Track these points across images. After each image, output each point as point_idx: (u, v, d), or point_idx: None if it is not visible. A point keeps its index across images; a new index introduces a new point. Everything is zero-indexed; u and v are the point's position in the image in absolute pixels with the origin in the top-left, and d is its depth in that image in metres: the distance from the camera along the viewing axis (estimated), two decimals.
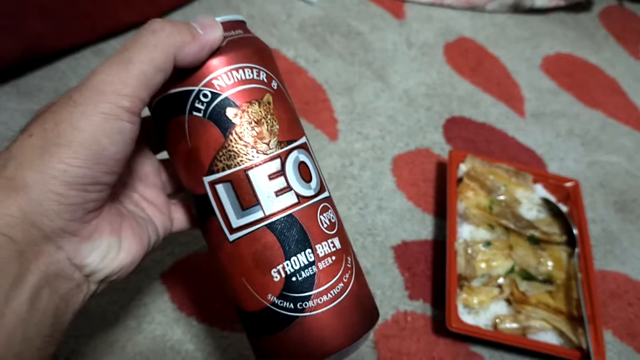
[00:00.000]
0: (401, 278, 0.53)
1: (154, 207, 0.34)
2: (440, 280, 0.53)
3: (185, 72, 0.29)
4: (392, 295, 0.52)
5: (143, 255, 0.31)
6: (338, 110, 0.65)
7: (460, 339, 0.50)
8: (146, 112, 0.32)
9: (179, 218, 0.36)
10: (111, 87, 0.26)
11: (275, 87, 0.31)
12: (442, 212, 0.58)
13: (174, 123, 0.30)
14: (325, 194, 0.32)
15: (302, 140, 0.32)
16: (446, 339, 0.50)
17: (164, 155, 0.34)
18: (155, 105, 0.31)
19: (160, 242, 0.34)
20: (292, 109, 0.32)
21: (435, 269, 0.55)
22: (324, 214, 0.31)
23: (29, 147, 0.25)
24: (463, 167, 0.58)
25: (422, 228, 0.57)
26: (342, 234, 0.32)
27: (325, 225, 0.31)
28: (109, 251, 0.29)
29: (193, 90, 0.29)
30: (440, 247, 0.56)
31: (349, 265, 0.32)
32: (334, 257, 0.31)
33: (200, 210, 0.31)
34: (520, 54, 0.80)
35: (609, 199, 0.66)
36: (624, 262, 0.60)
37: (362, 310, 0.31)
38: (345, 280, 0.31)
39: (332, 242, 0.31)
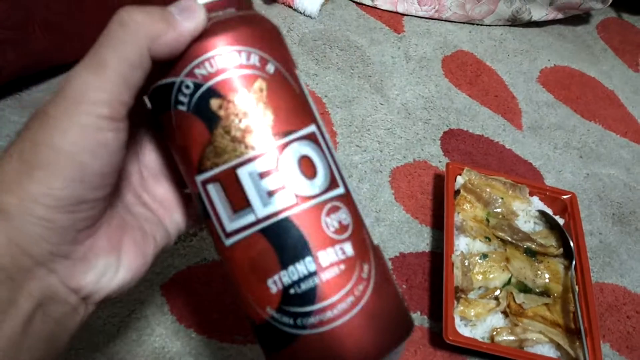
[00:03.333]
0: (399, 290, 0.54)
1: (164, 208, 0.31)
2: (438, 292, 0.54)
3: (167, 62, 0.26)
4: None
5: (145, 269, 0.29)
6: (337, 123, 0.66)
7: (457, 352, 0.50)
8: None
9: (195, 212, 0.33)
10: (87, 96, 0.23)
11: (272, 71, 0.27)
12: (440, 224, 0.59)
13: (164, 118, 0.28)
14: (338, 191, 0.28)
15: (308, 129, 0.27)
16: (443, 351, 0.50)
17: None
18: (149, 99, 0.29)
19: (172, 242, 0.32)
20: (295, 95, 0.28)
21: (432, 281, 0.55)
22: (332, 215, 0.27)
23: (9, 170, 0.23)
24: (460, 180, 0.59)
25: (419, 240, 0.58)
26: (358, 238, 0.28)
27: (332, 229, 0.27)
28: (107, 271, 0.27)
29: (175, 82, 0.26)
30: (437, 259, 0.56)
31: (364, 276, 0.27)
32: (342, 266, 0.26)
33: (200, 211, 0.28)
34: (517, 66, 0.80)
35: (607, 211, 0.66)
36: (622, 275, 0.60)
37: (380, 327, 0.27)
38: (357, 294, 0.26)
39: (340, 249, 0.26)
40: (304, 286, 0.26)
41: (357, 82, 0.71)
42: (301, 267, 0.26)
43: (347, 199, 0.28)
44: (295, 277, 0.26)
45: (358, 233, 0.28)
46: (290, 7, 0.77)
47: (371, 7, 0.81)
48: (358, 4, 0.81)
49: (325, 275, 0.26)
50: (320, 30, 0.76)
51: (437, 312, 0.52)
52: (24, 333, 0.23)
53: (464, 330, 0.49)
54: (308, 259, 0.26)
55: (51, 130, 0.23)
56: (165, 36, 0.24)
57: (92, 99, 0.23)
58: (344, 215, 0.27)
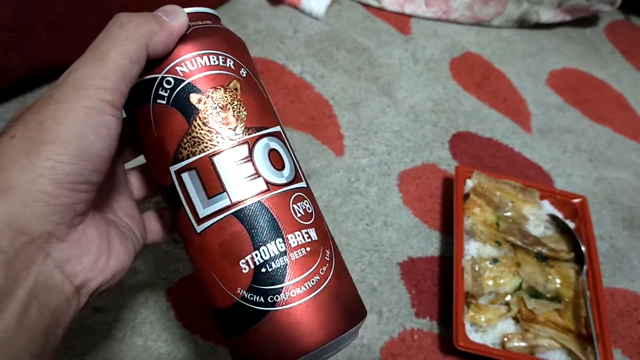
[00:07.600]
0: (408, 295, 0.53)
1: (130, 218, 0.33)
2: (447, 297, 0.53)
3: (150, 61, 0.29)
4: (398, 312, 0.52)
5: (130, 263, 0.31)
6: (344, 125, 0.65)
7: (467, 358, 0.49)
8: None
9: (152, 229, 0.35)
10: (91, 82, 0.25)
11: (245, 75, 0.31)
12: (449, 228, 0.58)
13: (140, 113, 0.30)
14: (301, 184, 0.31)
15: (275, 128, 0.31)
16: (453, 358, 0.50)
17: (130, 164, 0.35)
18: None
19: (142, 252, 0.34)
20: (263, 98, 0.32)
21: (442, 286, 0.54)
22: (298, 203, 0.30)
23: (12, 148, 0.24)
24: (469, 183, 0.58)
25: (428, 244, 0.57)
26: (319, 226, 0.31)
27: (299, 215, 0.30)
28: (100, 256, 0.28)
29: (156, 78, 0.29)
30: (447, 263, 0.56)
31: (327, 259, 0.30)
32: (308, 248, 0.29)
33: (170, 204, 0.30)
34: (526, 69, 0.80)
35: (617, 215, 0.65)
36: (633, 279, 0.59)
37: (341, 307, 0.29)
38: (321, 274, 0.29)
39: (306, 233, 0.30)
40: (275, 265, 0.28)
41: (364, 84, 0.70)
42: (272, 247, 0.28)
43: (308, 192, 0.32)
44: (267, 257, 0.28)
45: (320, 222, 0.31)
46: (296, 8, 0.76)
47: (378, 8, 0.81)
48: (365, 5, 0.81)
49: (294, 255, 0.29)
50: (327, 31, 0.75)
51: (447, 318, 0.52)
52: (19, 325, 0.23)
53: (475, 337, 0.48)
54: (279, 240, 0.29)
55: (58, 111, 0.25)
56: (159, 34, 0.28)
57: (96, 85, 0.25)
58: (307, 205, 0.31)
